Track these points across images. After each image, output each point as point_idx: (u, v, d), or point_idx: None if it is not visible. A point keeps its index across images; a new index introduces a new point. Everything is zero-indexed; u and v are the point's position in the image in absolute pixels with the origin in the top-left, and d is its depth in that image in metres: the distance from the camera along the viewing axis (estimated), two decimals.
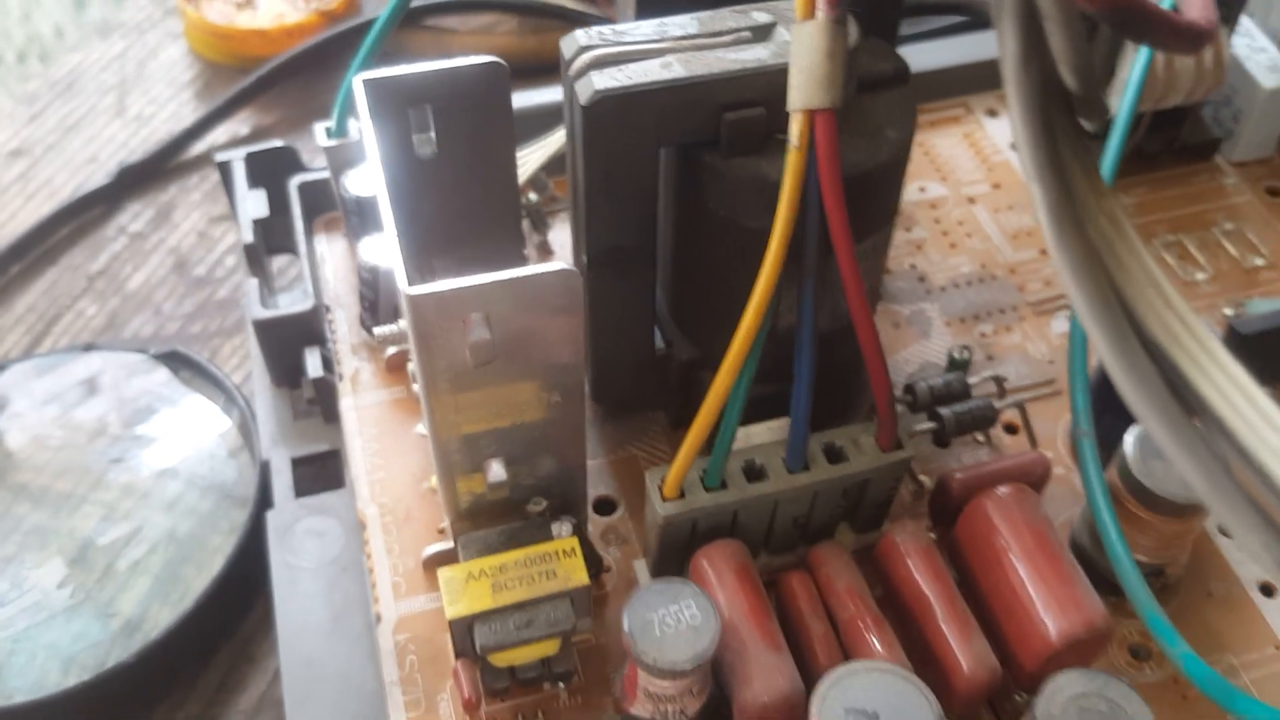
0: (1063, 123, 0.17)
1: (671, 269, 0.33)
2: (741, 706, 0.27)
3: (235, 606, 0.38)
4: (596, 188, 0.29)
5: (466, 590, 0.29)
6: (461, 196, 0.34)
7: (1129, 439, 0.30)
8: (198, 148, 0.52)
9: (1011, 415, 0.36)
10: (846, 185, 0.27)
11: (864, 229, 0.30)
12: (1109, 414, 0.32)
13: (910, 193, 0.43)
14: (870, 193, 0.29)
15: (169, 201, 0.50)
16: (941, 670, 0.28)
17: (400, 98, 0.31)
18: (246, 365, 0.44)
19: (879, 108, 0.30)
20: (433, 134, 0.32)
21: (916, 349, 0.38)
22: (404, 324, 0.32)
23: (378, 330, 0.33)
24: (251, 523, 0.37)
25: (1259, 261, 0.41)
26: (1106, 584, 0.30)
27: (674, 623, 0.27)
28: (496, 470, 0.30)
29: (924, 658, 0.29)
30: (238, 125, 0.53)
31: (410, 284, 0.25)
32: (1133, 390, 0.16)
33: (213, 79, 0.55)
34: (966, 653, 0.28)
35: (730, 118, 0.28)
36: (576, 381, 0.28)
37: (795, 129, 0.26)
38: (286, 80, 0.53)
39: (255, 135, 0.52)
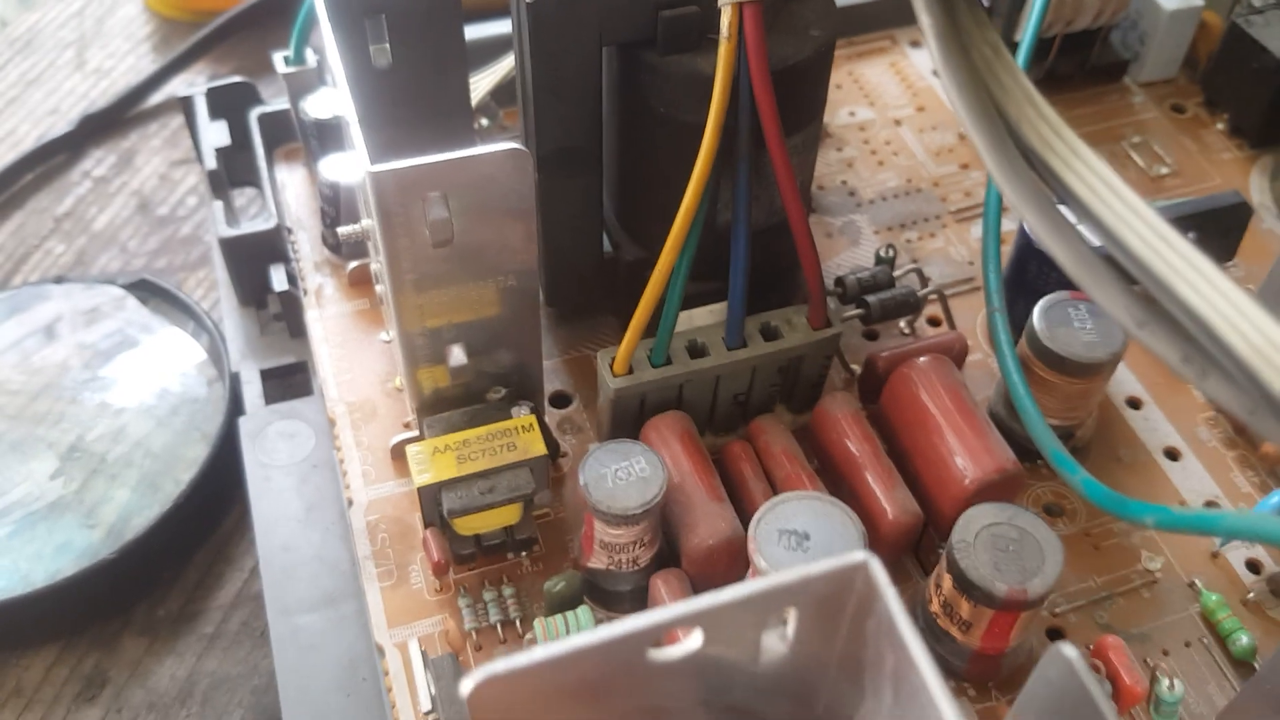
0: None
1: (617, 173, 0.35)
2: (689, 552, 0.30)
3: (211, 510, 0.40)
4: (543, 87, 0.32)
5: (433, 462, 0.31)
6: (416, 108, 0.36)
7: (1036, 310, 0.33)
8: (157, 98, 0.54)
9: (935, 311, 0.39)
10: (775, 79, 0.29)
11: (793, 123, 0.33)
12: (1021, 298, 0.35)
13: (841, 117, 0.46)
14: (797, 87, 0.32)
15: (130, 148, 0.52)
16: (870, 519, 0.31)
17: (356, 7, 0.33)
18: (212, 295, 0.46)
19: (805, 10, 0.32)
20: (387, 45, 0.34)
21: (847, 255, 0.41)
22: (365, 223, 0.34)
23: (341, 230, 0.35)
24: (224, 432, 0.39)
25: (1164, 170, 0.44)
26: (1022, 450, 0.33)
27: (625, 475, 0.29)
28: (458, 354, 0.32)
29: (854, 511, 0.31)
30: (194, 76, 0.54)
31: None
32: (1009, 185, 0.19)
33: (170, 34, 0.56)
34: (890, 500, 0.31)
35: (666, 15, 0.30)
36: (530, 271, 0.31)
37: (725, 21, 0.29)
38: (240, 32, 0.55)
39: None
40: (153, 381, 0.41)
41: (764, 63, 0.29)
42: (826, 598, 0.19)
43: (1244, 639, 0.31)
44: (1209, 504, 0.34)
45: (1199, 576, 0.33)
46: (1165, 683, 0.29)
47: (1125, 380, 0.37)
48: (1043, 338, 0.32)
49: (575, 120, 0.33)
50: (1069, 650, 0.19)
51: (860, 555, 0.18)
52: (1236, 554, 0.33)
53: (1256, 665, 0.31)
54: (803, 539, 0.26)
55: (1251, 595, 0.32)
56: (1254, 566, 0.33)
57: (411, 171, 0.27)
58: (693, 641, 0.19)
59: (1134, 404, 0.37)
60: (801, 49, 0.31)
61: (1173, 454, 0.36)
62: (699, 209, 0.30)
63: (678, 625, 0.18)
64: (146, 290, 0.44)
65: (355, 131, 0.28)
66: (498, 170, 0.28)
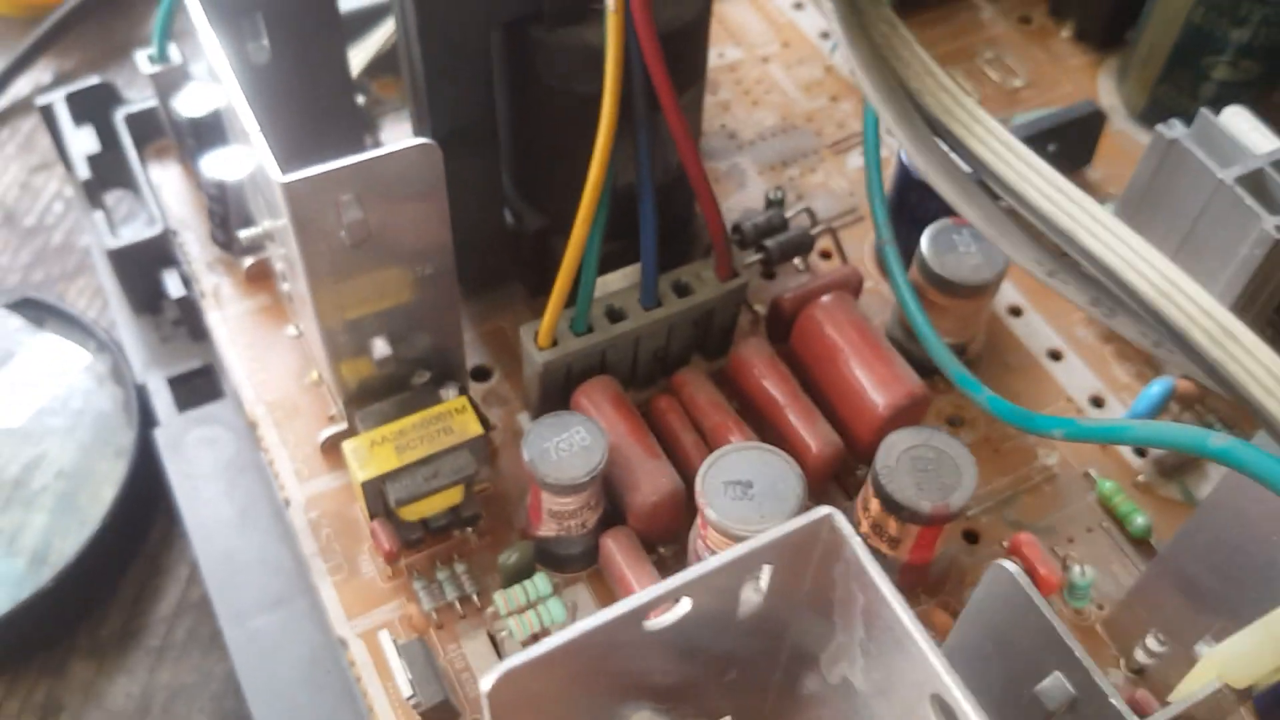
0: None
1: (513, 146, 0.36)
2: (634, 509, 0.31)
3: (138, 524, 0.39)
4: (435, 71, 0.32)
5: (372, 455, 0.32)
6: (299, 102, 0.36)
7: (924, 239, 0.35)
8: (2, 102, 0.51)
9: (826, 244, 0.41)
10: (662, 42, 0.30)
11: (683, 81, 0.33)
12: (904, 225, 0.37)
13: (711, 59, 0.47)
14: (683, 47, 0.33)
15: None
16: (795, 454, 0.33)
17: (231, 7, 0.32)
18: (96, 302, 0.45)
19: None
20: (265, 41, 0.33)
21: (737, 198, 0.43)
22: (266, 225, 0.34)
23: (242, 233, 0.34)
24: (138, 445, 0.39)
25: (1018, 83, 0.46)
26: (920, 368, 0.35)
27: (567, 447, 0.30)
28: (381, 347, 0.32)
29: (780, 449, 0.33)
30: (39, 75, 0.52)
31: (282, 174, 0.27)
32: (920, 155, 0.20)
33: (4, 33, 0.54)
34: (813, 435, 0.33)
35: None
36: (446, 256, 0.31)
37: None
38: (80, 24, 0.52)
39: (60, 81, 0.52)
40: (53, 402, 0.40)
41: (652, 29, 0.30)
42: (797, 550, 0.21)
43: (1139, 519, 0.34)
44: (1094, 399, 0.37)
45: (1092, 466, 0.36)
46: (1077, 569, 0.32)
47: (1005, 290, 0.40)
48: (932, 265, 0.34)
49: (469, 101, 0.33)
50: (1009, 566, 0.21)
51: (825, 509, 0.20)
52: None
53: (1153, 543, 0.34)
54: (746, 487, 0.28)
55: (1141, 478, 0.35)
56: (1141, 451, 0.36)
57: (324, 178, 0.27)
58: (682, 608, 0.20)
59: (1015, 312, 0.39)
60: (684, 10, 0.32)
61: (1056, 354, 0.38)
62: (606, 180, 0.31)
63: (670, 597, 0.20)
64: (30, 307, 0.42)
65: (259, 141, 0.28)
66: (409, 166, 0.28)
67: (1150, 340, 0.19)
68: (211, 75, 0.31)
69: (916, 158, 0.20)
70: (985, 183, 0.20)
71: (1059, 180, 0.20)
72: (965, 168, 0.21)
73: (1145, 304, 0.18)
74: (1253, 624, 0.21)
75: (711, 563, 0.20)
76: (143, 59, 0.39)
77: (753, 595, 0.22)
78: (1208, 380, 0.18)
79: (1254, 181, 0.33)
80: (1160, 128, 0.34)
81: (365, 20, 0.42)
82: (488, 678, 0.18)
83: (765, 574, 0.21)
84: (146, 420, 0.39)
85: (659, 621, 0.20)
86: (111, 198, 0.46)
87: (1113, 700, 0.20)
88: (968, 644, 0.24)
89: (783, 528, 0.20)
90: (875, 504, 0.31)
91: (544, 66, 0.32)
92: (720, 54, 0.47)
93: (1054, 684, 0.21)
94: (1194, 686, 0.21)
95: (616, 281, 0.34)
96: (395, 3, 0.32)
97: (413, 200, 0.29)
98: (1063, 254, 0.20)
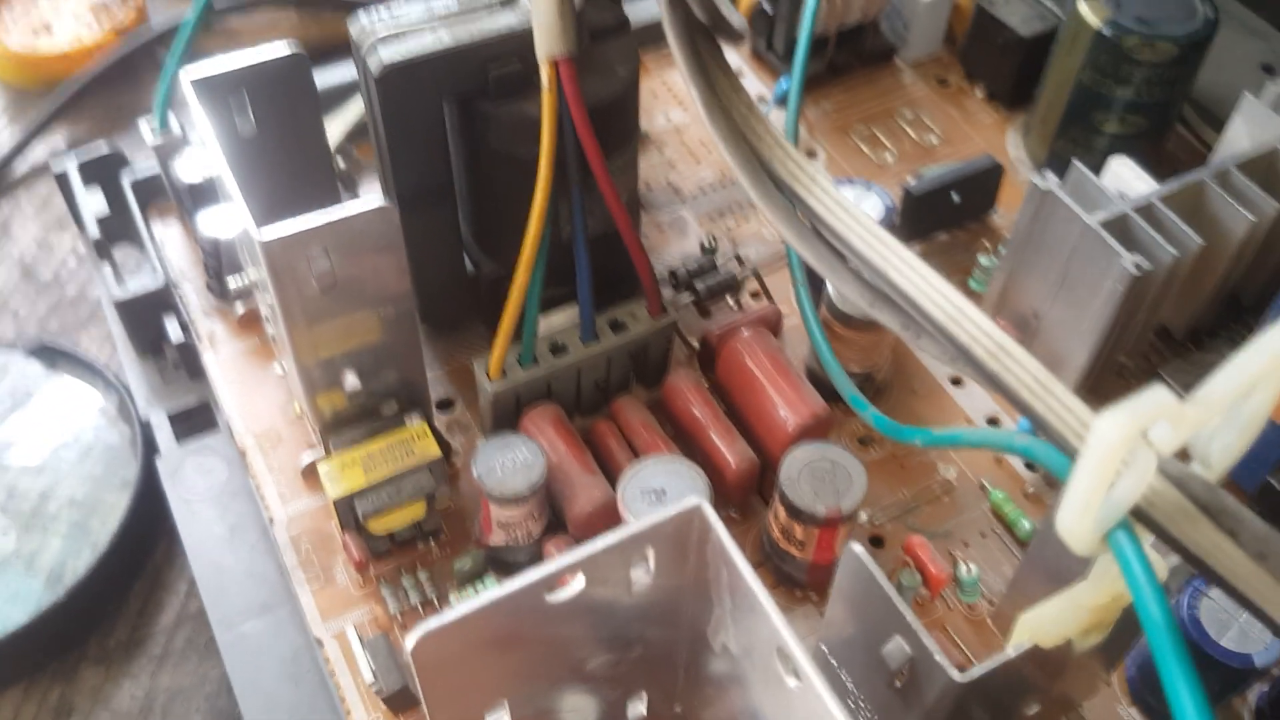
0: (705, 44, 0.26)
1: (469, 202, 0.41)
2: (572, 519, 0.36)
3: (142, 546, 0.44)
4: (396, 141, 0.37)
5: (343, 475, 0.36)
6: (282, 171, 0.41)
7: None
8: (20, 168, 0.56)
9: (756, 286, 0.45)
10: (591, 115, 0.35)
11: (612, 147, 0.38)
12: None
13: (660, 122, 0.52)
14: (612, 119, 0.38)
15: (5, 219, 0.55)
16: (717, 470, 0.37)
17: (220, 88, 0.37)
18: (107, 348, 0.50)
19: (609, 51, 0.38)
20: (250, 115, 0.38)
21: (678, 246, 0.47)
22: (251, 274, 0.39)
23: (230, 278, 0.39)
24: (142, 475, 0.43)
25: (934, 140, 0.51)
26: (834, 395, 0.39)
27: (511, 464, 0.35)
28: (352, 380, 0.37)
29: (704, 466, 0.38)
30: (54, 141, 0.57)
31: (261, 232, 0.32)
32: (768, 210, 0.25)
33: (22, 103, 0.59)
34: (732, 452, 0.37)
35: (495, 72, 0.36)
36: (406, 301, 0.36)
37: (545, 75, 0.34)
38: (91, 94, 0.58)
39: (73, 146, 0.57)
40: (68, 438, 0.45)
41: (582, 106, 0.35)
42: (674, 536, 0.25)
43: (1025, 523, 0.38)
44: (990, 419, 0.42)
45: (987, 478, 0.40)
46: (964, 567, 0.37)
47: None
48: (836, 301, 0.39)
49: (427, 164, 0.38)
50: (856, 547, 0.26)
51: (694, 500, 0.25)
52: (1016, 457, 0.41)
53: None
54: (660, 494, 0.33)
55: (1030, 488, 0.40)
56: (1032, 465, 0.41)
57: (296, 236, 0.32)
58: (578, 584, 0.25)
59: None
60: (611, 87, 0.37)
61: (957, 381, 0.43)
62: (543, 232, 0.36)
63: (565, 572, 0.24)
64: (47, 353, 0.47)
65: (240, 204, 0.33)
66: (369, 225, 0.33)
67: (948, 357, 0.23)
68: (204, 145, 0.36)
69: (765, 211, 0.25)
70: (819, 231, 0.25)
71: (875, 228, 0.24)
72: (804, 219, 0.25)
73: (939, 327, 0.23)
74: (1060, 593, 0.26)
75: (598, 543, 0.24)
76: (146, 128, 0.44)
77: (644, 577, 0.26)
78: (991, 388, 0.23)
79: (1118, 225, 0.38)
80: (1035, 179, 0.39)
81: (345, 94, 0.47)
82: (411, 636, 0.23)
83: (651, 557, 0.26)
84: (150, 451, 0.44)
85: (561, 594, 0.25)
86: (120, 254, 0.51)
87: (936, 657, 0.25)
88: (836, 619, 0.28)
89: (654, 515, 0.24)
90: (781, 511, 0.35)
91: (491, 134, 0.37)
92: (667, 117, 0.52)
93: (895, 646, 0.26)
94: (1010, 646, 0.26)
95: (560, 320, 0.39)
96: (361, 81, 0.37)
97: (374, 253, 0.34)
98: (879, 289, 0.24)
